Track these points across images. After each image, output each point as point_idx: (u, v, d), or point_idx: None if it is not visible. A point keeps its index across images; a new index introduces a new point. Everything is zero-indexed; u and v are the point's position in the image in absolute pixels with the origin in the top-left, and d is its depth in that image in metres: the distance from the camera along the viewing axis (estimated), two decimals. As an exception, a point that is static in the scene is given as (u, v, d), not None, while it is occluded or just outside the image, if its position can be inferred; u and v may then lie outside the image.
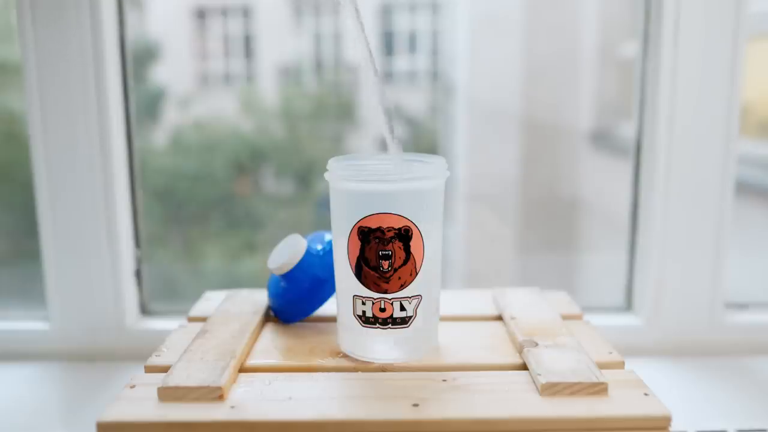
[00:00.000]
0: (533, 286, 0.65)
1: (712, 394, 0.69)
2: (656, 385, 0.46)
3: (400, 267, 0.47)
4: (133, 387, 0.45)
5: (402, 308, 0.47)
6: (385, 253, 0.46)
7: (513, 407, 0.42)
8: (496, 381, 0.46)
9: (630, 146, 0.80)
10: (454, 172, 0.46)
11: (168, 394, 0.43)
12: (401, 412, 0.41)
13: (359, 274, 0.47)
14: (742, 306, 0.80)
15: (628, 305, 0.81)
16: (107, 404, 0.43)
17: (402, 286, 0.47)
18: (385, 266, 0.46)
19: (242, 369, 0.48)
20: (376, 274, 0.47)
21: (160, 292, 0.87)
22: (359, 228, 0.46)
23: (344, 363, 0.49)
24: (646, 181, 0.77)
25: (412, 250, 0.47)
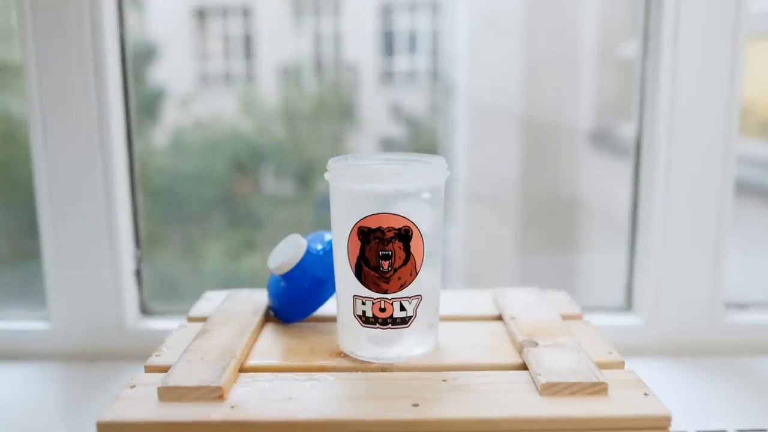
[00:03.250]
0: (533, 286, 0.65)
1: (711, 394, 0.69)
2: (656, 385, 0.46)
3: (400, 267, 0.47)
4: (133, 387, 0.45)
5: (402, 308, 0.48)
6: (385, 253, 0.46)
7: (513, 407, 0.42)
8: (496, 381, 0.46)
9: (629, 146, 0.80)
10: (453, 171, 0.46)
11: (168, 394, 0.43)
12: (401, 412, 0.41)
13: (359, 274, 0.47)
14: (742, 306, 0.80)
15: (628, 305, 0.81)
16: (107, 404, 0.43)
17: (402, 286, 0.47)
18: (385, 266, 0.46)
19: (242, 369, 0.48)
20: (376, 274, 0.47)
21: (161, 292, 0.87)
22: (359, 228, 0.46)
23: (344, 363, 0.49)
24: (646, 180, 0.77)
25: (412, 250, 0.47)
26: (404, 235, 0.46)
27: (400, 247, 0.46)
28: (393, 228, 0.46)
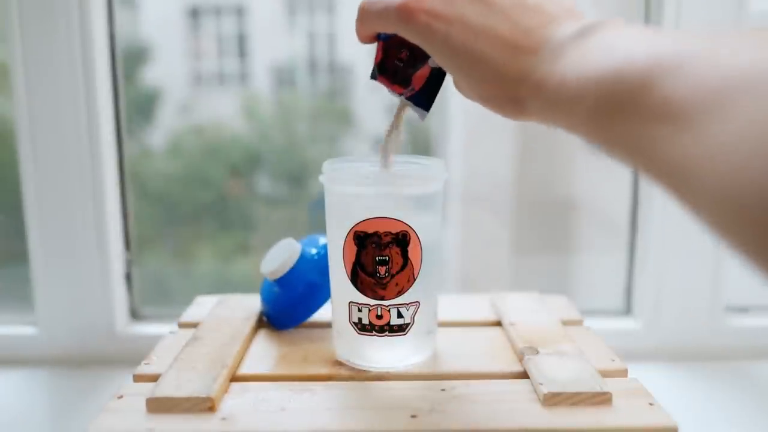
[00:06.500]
0: (530, 289, 0.63)
1: (712, 399, 0.68)
2: (656, 390, 0.45)
3: (397, 273, 0.45)
4: (121, 397, 0.44)
5: (399, 315, 0.46)
6: (382, 258, 0.45)
7: (514, 418, 0.41)
8: (496, 390, 0.44)
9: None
10: (448, 172, 0.45)
11: (157, 406, 0.42)
12: (399, 423, 0.40)
13: (355, 280, 0.46)
14: (743, 309, 0.79)
15: (627, 309, 0.80)
16: (94, 416, 0.41)
17: (399, 293, 0.46)
18: (382, 272, 0.45)
19: (234, 378, 0.47)
20: (373, 281, 0.45)
21: (153, 295, 0.85)
22: (355, 233, 0.45)
23: (340, 372, 0.47)
24: (646, 182, 0.76)
25: (410, 255, 0.45)
26: (402, 240, 0.45)
27: (397, 253, 0.45)
28: (390, 233, 0.44)
